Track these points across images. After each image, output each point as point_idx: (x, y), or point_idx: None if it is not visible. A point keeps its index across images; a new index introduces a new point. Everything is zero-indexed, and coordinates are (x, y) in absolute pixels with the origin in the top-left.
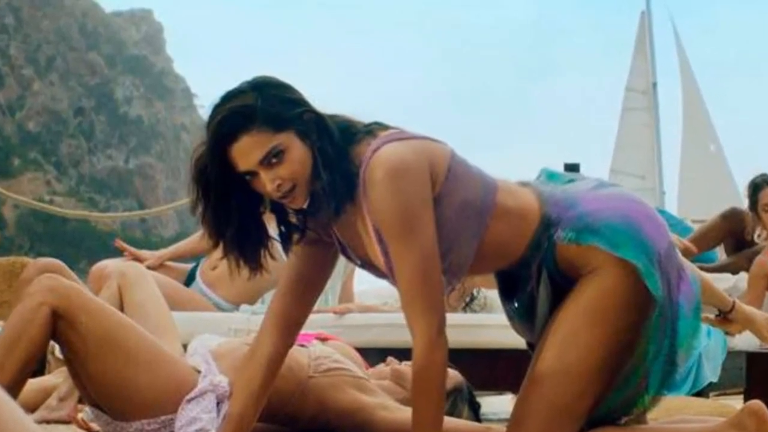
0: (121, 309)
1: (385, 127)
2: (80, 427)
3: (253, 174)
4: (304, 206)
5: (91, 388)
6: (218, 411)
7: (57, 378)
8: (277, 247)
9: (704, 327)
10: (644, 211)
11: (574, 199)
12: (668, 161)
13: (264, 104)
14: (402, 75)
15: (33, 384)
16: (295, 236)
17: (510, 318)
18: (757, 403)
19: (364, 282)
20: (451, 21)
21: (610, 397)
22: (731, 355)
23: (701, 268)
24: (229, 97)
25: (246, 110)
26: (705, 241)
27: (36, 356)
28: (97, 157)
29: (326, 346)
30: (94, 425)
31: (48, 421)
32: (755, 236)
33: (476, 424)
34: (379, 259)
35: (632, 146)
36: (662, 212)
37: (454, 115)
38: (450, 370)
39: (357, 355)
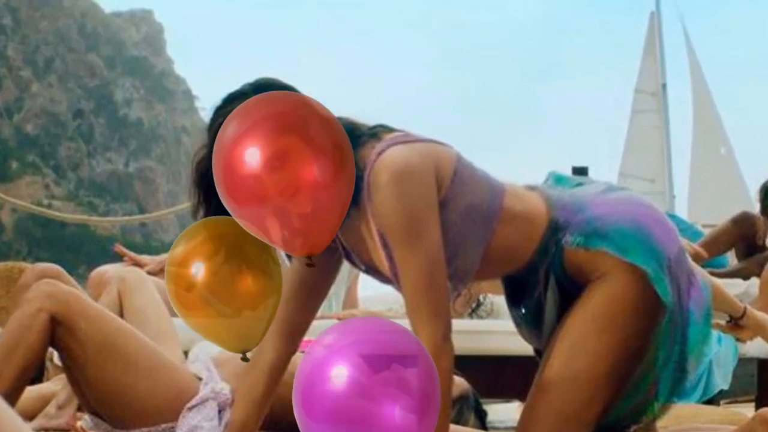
0: (121, 315)
1: (390, 130)
2: None
3: None
4: None
5: (91, 396)
6: (220, 419)
7: (55, 385)
8: (280, 252)
9: (715, 333)
10: (654, 215)
11: (583, 203)
12: (678, 164)
13: None
14: (405, 76)
15: (31, 391)
16: None
17: (517, 324)
18: None
19: (368, 287)
20: (454, 21)
21: (619, 404)
22: (742, 361)
23: (712, 274)
24: (230, 99)
25: None
26: (716, 245)
27: (34, 363)
28: (97, 161)
29: None
30: None
31: (47, 429)
32: (767, 241)
33: None
34: (384, 264)
35: (641, 149)
36: (672, 216)
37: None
38: (456, 377)
39: None
